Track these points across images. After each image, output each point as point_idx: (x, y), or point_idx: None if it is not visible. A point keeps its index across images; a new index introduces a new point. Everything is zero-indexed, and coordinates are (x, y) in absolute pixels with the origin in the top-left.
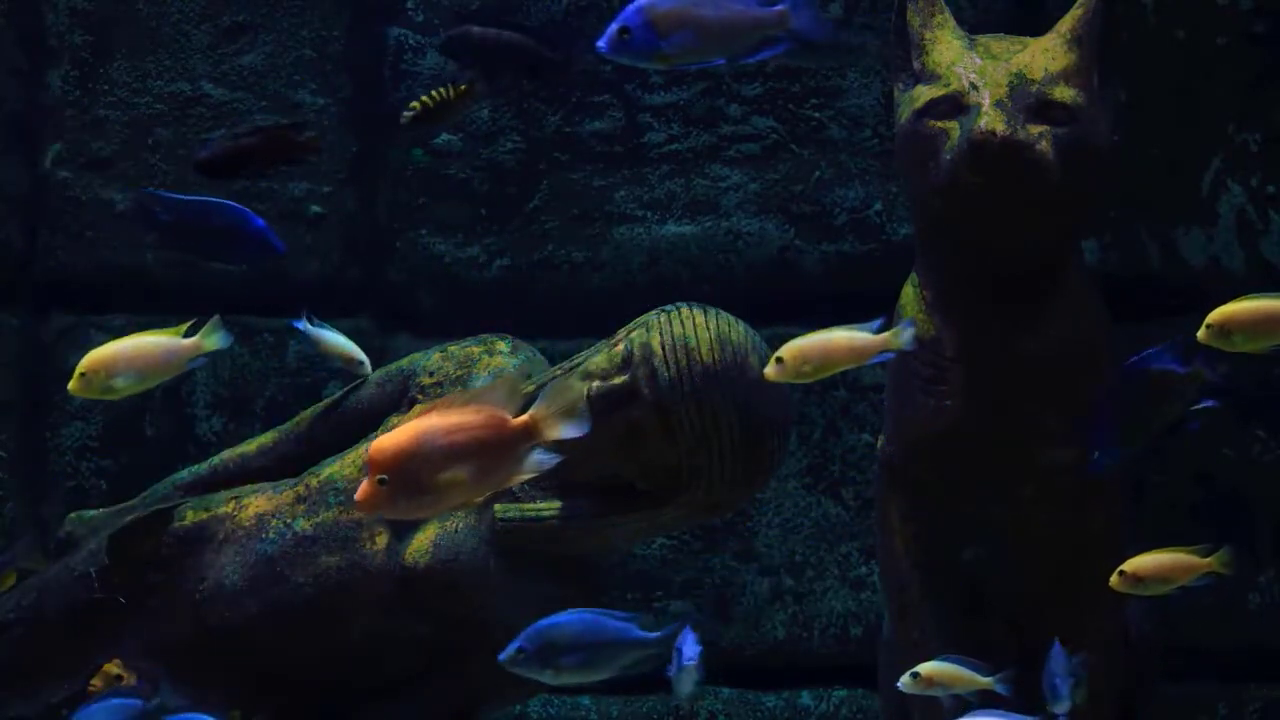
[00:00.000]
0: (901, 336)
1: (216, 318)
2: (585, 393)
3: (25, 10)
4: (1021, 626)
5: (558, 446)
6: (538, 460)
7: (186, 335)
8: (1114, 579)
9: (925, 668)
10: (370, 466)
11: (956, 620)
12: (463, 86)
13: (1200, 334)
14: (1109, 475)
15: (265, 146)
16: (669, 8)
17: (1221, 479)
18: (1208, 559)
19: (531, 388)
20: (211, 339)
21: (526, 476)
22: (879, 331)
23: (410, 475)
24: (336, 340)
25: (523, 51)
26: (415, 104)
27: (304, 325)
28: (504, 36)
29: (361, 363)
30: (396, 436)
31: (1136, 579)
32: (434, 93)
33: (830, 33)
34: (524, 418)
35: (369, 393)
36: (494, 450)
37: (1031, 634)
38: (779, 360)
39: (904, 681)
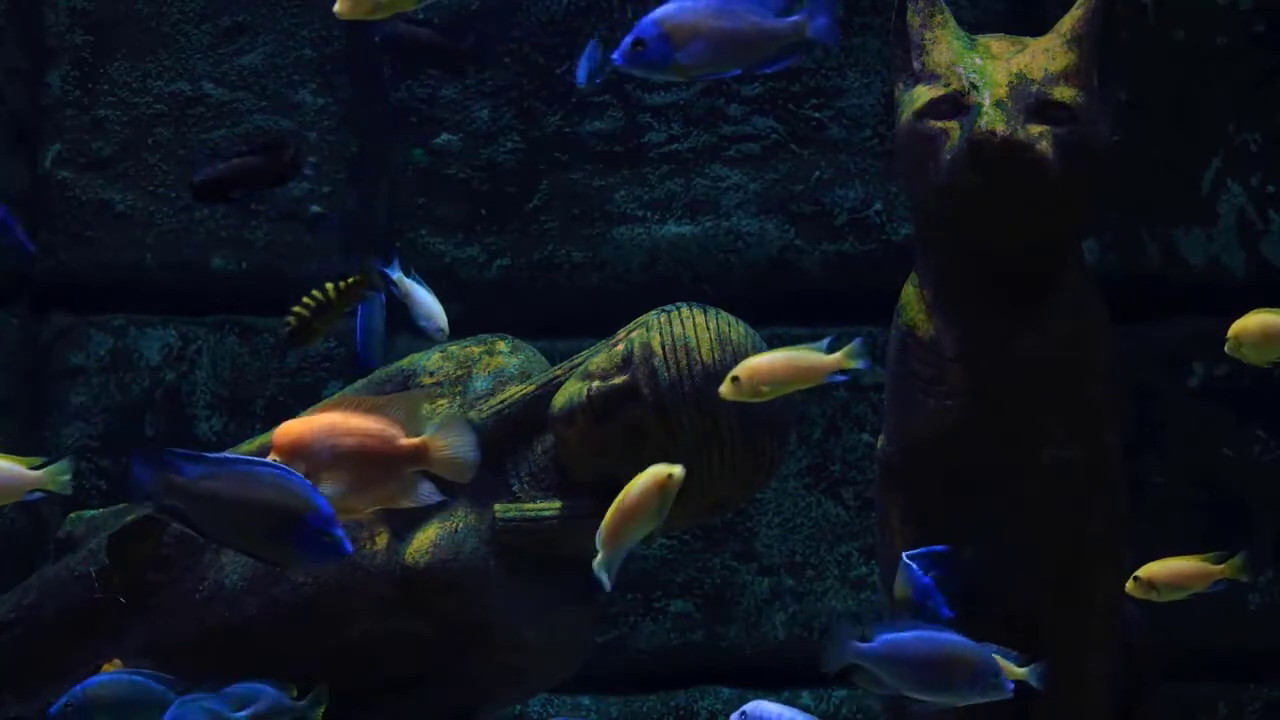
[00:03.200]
0: (852, 355)
1: (67, 461)
2: (476, 442)
3: (25, 10)
4: (1021, 627)
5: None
6: (423, 493)
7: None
8: (1129, 585)
9: None
10: (272, 445)
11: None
12: (351, 279)
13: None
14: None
15: (254, 169)
16: (684, 19)
17: (1221, 479)
18: (1221, 565)
19: (443, 412)
20: (56, 480)
21: (409, 505)
22: (830, 351)
23: (296, 465)
24: (426, 300)
25: (431, 46)
26: (290, 317)
27: (397, 273)
28: (413, 32)
29: (441, 330)
30: (298, 423)
31: (1150, 585)
32: (304, 300)
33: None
34: (413, 441)
35: (369, 393)
36: (377, 464)
37: (1031, 634)
38: (735, 379)
39: None
